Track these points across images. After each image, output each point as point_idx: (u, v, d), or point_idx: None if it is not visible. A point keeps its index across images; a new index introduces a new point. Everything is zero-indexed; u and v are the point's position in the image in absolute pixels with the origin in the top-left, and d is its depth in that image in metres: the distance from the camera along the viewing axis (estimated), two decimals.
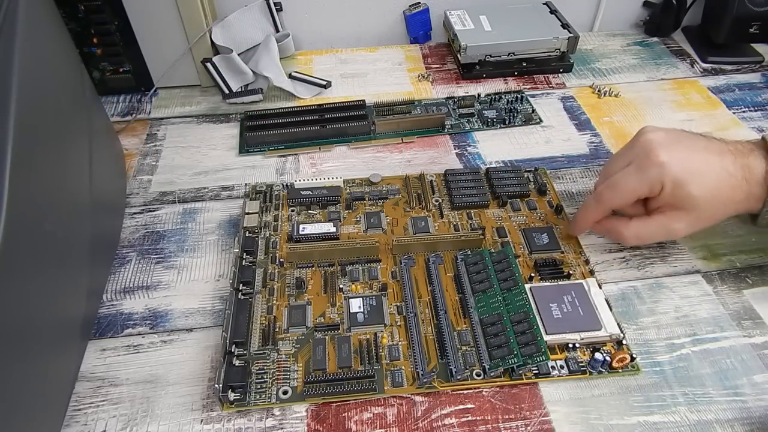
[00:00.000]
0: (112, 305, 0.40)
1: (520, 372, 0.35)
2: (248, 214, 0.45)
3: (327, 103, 0.58)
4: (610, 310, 0.38)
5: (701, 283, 0.41)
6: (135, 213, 0.47)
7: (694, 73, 0.64)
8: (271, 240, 0.44)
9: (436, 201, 0.47)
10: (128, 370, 0.37)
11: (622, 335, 0.37)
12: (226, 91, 0.59)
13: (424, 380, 0.35)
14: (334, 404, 0.35)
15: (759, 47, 0.67)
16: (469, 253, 0.42)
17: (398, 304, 0.39)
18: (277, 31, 0.66)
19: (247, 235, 0.44)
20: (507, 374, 0.35)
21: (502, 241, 0.44)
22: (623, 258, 0.43)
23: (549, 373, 0.35)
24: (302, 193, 0.47)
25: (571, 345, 0.37)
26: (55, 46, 0.37)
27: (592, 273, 0.41)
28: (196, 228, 0.46)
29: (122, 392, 0.35)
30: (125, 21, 0.55)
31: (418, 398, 0.35)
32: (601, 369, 0.36)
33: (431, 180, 0.49)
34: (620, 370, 0.36)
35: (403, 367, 0.36)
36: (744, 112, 0.58)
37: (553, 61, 0.64)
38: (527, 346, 0.35)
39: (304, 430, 0.33)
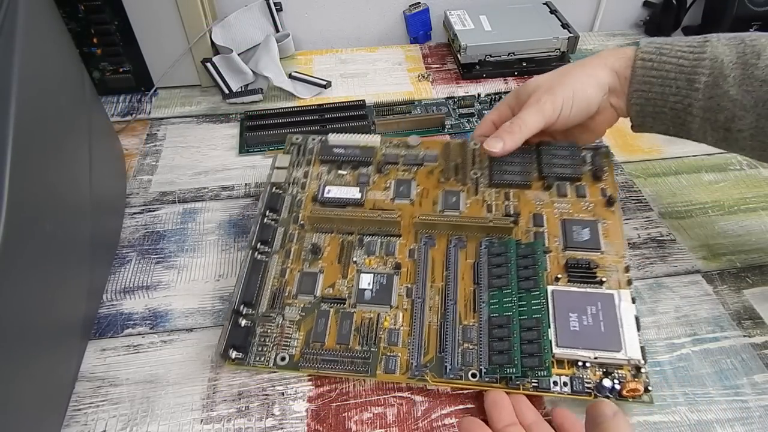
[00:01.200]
0: (112, 305, 0.40)
1: (518, 383, 0.33)
2: (278, 168, 0.44)
3: (327, 103, 0.58)
4: (638, 329, 0.34)
5: (701, 283, 0.41)
6: (135, 213, 0.47)
7: None
8: (297, 198, 0.43)
9: (474, 174, 0.44)
10: (128, 370, 0.37)
11: (642, 362, 0.33)
12: (226, 91, 0.59)
13: (416, 372, 0.34)
14: (334, 404, 0.35)
15: None
16: (495, 241, 0.39)
17: (409, 285, 0.38)
18: (277, 31, 0.66)
19: (274, 191, 0.43)
20: (504, 381, 0.33)
21: (536, 231, 0.40)
22: None
23: (549, 389, 0.33)
24: (335, 150, 0.45)
25: (581, 363, 0.34)
26: (55, 46, 0.37)
27: (629, 283, 0.37)
28: (196, 228, 0.46)
29: (122, 392, 0.35)
30: (125, 21, 0.55)
31: (418, 398, 0.35)
32: (608, 394, 0.33)
33: (474, 148, 0.46)
34: (629, 400, 0.33)
35: (399, 354, 0.35)
36: None
37: (553, 60, 0.64)
38: (530, 357, 0.32)
39: (304, 430, 0.33)
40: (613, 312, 0.35)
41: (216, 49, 0.60)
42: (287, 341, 0.36)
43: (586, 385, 0.33)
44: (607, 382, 0.32)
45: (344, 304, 0.37)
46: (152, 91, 0.61)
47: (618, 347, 0.33)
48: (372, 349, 0.35)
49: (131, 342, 0.38)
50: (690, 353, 0.37)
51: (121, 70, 0.59)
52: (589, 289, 0.36)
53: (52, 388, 0.33)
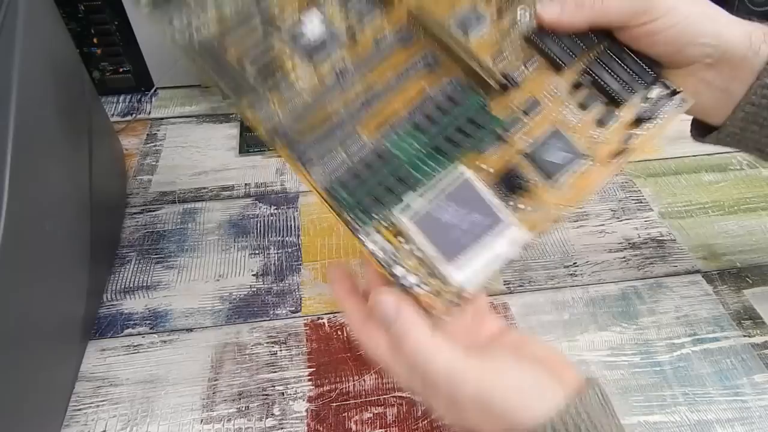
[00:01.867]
0: (112, 305, 0.40)
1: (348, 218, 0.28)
2: None
3: None
4: (496, 271, 0.28)
5: (701, 283, 0.41)
6: (135, 213, 0.47)
7: None
8: None
9: (520, 10, 0.34)
10: (128, 370, 0.37)
11: (464, 291, 0.27)
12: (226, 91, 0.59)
13: (282, 134, 0.29)
14: (334, 404, 0.35)
15: None
16: (460, 87, 0.32)
17: (347, 59, 0.32)
18: None
19: None
20: (336, 202, 0.28)
21: (517, 116, 0.32)
22: (623, 258, 0.43)
23: (364, 238, 0.28)
24: None
25: (412, 246, 0.28)
26: (55, 46, 0.37)
27: (539, 233, 0.30)
28: (196, 228, 0.46)
29: (122, 392, 0.35)
30: (125, 21, 0.55)
31: (418, 398, 0.35)
32: (402, 283, 0.27)
33: None
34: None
35: (276, 104, 0.30)
36: None
37: None
38: (372, 200, 0.28)
39: (304, 430, 0.33)
40: (489, 236, 0.29)
41: None
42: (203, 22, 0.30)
43: (385, 255, 0.28)
44: (399, 270, 0.27)
45: (272, 30, 0.31)
46: (152, 91, 0.61)
47: (453, 261, 0.28)
48: (265, 83, 0.30)
49: (131, 342, 0.38)
50: (690, 353, 0.37)
51: (121, 70, 0.59)
52: (495, 200, 0.30)
53: (52, 388, 0.33)
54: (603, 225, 0.46)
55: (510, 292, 0.41)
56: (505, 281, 0.42)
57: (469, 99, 0.31)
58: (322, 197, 0.29)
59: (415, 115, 0.31)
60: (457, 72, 0.32)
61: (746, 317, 0.39)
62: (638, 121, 0.32)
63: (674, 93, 0.33)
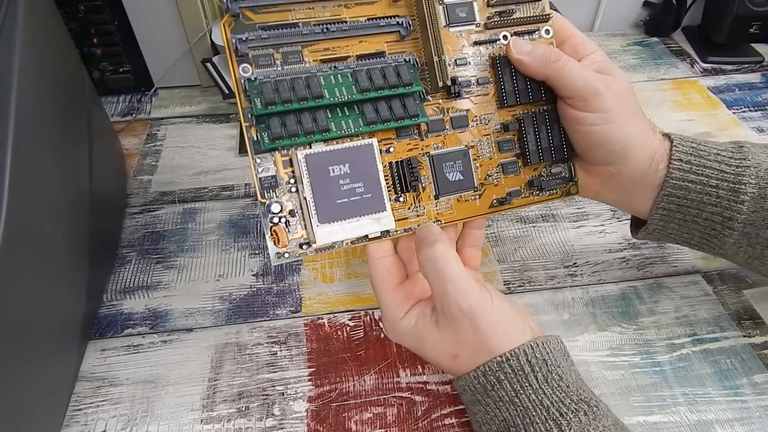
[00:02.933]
0: (112, 305, 0.40)
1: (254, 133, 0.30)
2: None
3: None
4: (359, 238, 0.31)
5: (701, 283, 0.41)
6: (135, 213, 0.47)
7: (694, 73, 0.64)
8: None
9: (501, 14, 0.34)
10: (128, 370, 0.37)
11: (316, 245, 0.30)
12: (226, 91, 0.59)
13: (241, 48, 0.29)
14: (334, 404, 0.35)
15: (759, 47, 0.67)
16: (412, 68, 0.32)
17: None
18: None
19: None
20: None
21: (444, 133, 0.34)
22: (623, 258, 0.43)
23: (255, 158, 0.30)
24: None
25: (295, 182, 0.31)
26: (55, 46, 0.37)
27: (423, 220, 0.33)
28: (196, 228, 0.46)
29: (122, 392, 0.35)
30: (125, 21, 0.55)
31: (418, 398, 0.35)
32: (274, 221, 0.30)
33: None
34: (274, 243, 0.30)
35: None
36: (744, 112, 0.58)
37: None
38: (282, 130, 0.29)
39: (304, 430, 0.33)
40: (366, 217, 0.31)
41: (216, 49, 0.60)
42: None
43: (272, 184, 0.30)
44: (275, 207, 0.30)
45: None
46: (152, 91, 0.61)
47: (325, 224, 0.30)
48: None
49: (131, 342, 0.38)
50: (690, 353, 0.37)
51: (121, 70, 0.59)
52: (383, 184, 0.32)
53: (52, 388, 0.33)
54: (603, 225, 0.46)
55: (510, 292, 0.41)
56: (505, 281, 0.42)
57: (414, 84, 0.32)
58: (238, 97, 0.30)
59: (361, 70, 0.31)
60: (419, 52, 0.33)
61: (746, 317, 0.39)
62: (529, 183, 0.36)
63: (570, 180, 0.36)
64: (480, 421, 0.30)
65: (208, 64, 0.59)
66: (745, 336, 0.38)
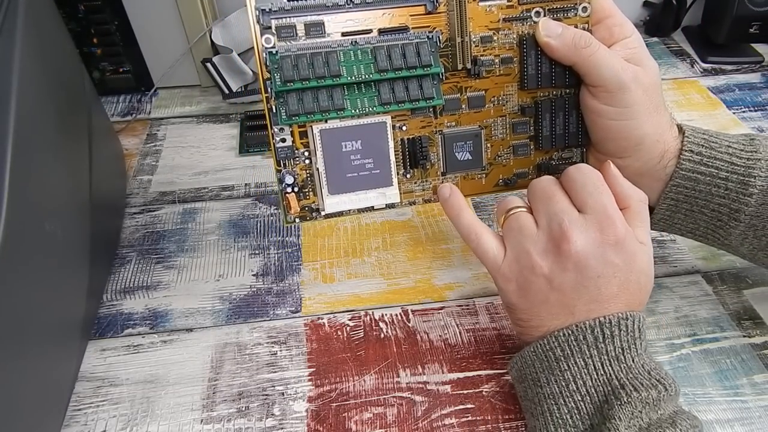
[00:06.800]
0: (112, 305, 0.40)
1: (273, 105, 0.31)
2: None
3: None
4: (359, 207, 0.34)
5: (701, 283, 0.41)
6: (135, 213, 0.47)
7: (694, 73, 0.64)
8: None
9: None
10: (128, 370, 0.37)
11: (325, 212, 0.34)
12: (226, 91, 0.59)
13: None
14: (334, 404, 0.35)
15: (759, 47, 0.67)
16: (434, 48, 0.32)
17: None
18: None
19: None
20: None
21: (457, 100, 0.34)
22: None
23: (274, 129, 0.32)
24: None
25: (309, 153, 0.32)
26: (55, 46, 0.37)
27: (422, 202, 0.35)
28: (196, 228, 0.46)
29: (122, 392, 0.35)
30: (125, 21, 0.55)
31: (418, 398, 0.35)
32: (288, 191, 0.33)
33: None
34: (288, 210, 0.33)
35: None
36: (744, 112, 0.58)
37: None
38: (299, 106, 0.30)
39: (304, 430, 0.33)
40: (374, 191, 0.33)
41: (216, 49, 0.60)
42: None
43: (289, 155, 0.32)
44: (289, 179, 0.33)
45: None
46: (152, 91, 0.61)
47: (335, 194, 0.33)
48: None
49: (131, 342, 0.38)
50: (690, 353, 0.37)
51: (121, 70, 0.59)
52: (393, 160, 0.33)
53: (52, 388, 0.33)
54: None
55: None
56: None
57: (432, 65, 0.32)
58: (260, 68, 0.31)
59: (381, 47, 0.31)
60: (444, 28, 0.33)
61: (746, 317, 0.39)
62: (538, 167, 0.36)
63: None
64: (569, 378, 0.29)
65: (208, 64, 0.59)
66: (745, 336, 0.38)
